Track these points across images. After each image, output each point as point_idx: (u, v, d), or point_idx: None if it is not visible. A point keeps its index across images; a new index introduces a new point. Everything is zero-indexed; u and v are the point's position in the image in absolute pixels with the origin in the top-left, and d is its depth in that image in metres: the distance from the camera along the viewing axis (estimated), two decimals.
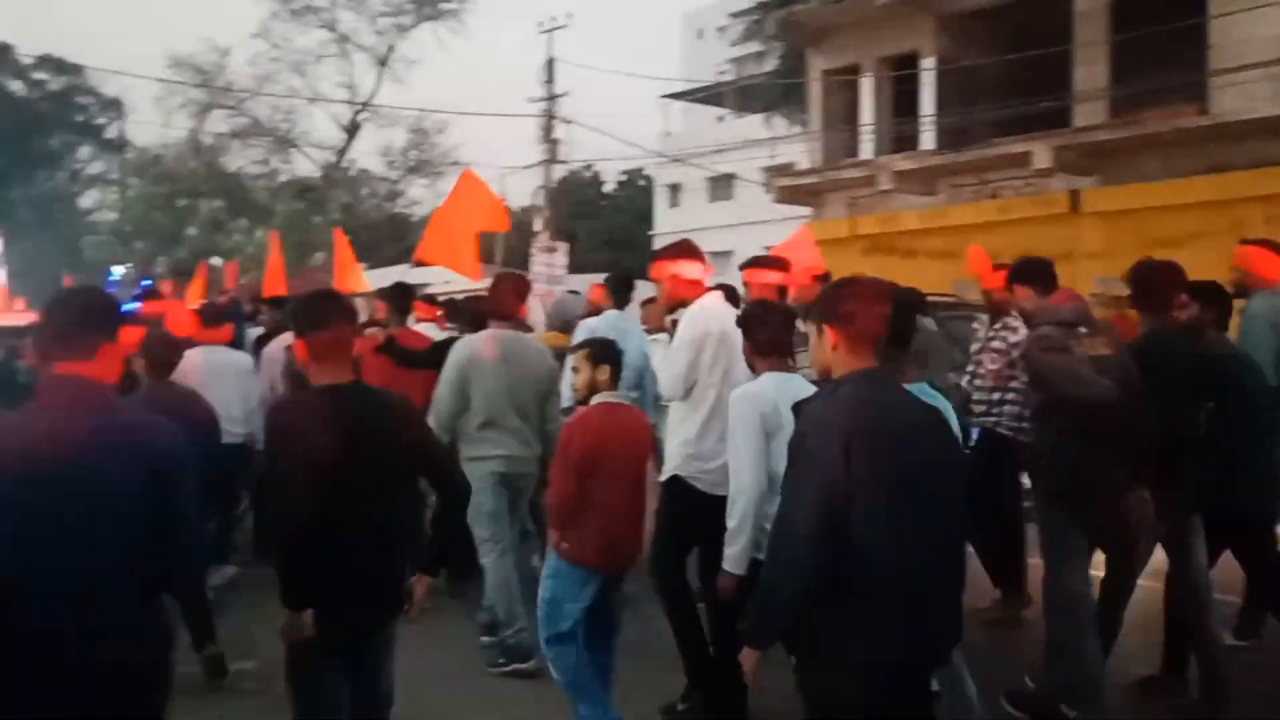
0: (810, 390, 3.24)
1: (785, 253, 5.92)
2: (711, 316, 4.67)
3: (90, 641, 2.54)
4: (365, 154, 48.83)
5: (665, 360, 4.70)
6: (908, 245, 16.18)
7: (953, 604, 2.90)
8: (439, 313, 8.60)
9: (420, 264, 10.64)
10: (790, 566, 2.70)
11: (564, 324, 7.59)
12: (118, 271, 30.70)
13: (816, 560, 2.63)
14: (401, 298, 7.23)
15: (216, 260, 27.26)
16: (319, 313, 3.39)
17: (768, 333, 4.17)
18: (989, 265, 6.38)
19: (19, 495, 2.49)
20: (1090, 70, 14.48)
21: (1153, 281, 4.75)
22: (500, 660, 5.36)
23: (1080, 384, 4.36)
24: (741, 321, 4.35)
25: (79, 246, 37.54)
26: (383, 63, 37.58)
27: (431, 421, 5.24)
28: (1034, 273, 4.88)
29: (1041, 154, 14.12)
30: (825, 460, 2.63)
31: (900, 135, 17.03)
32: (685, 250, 4.93)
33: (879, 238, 16.64)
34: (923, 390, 3.50)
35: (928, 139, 16.35)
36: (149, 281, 13.47)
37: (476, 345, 5.45)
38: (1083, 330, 4.53)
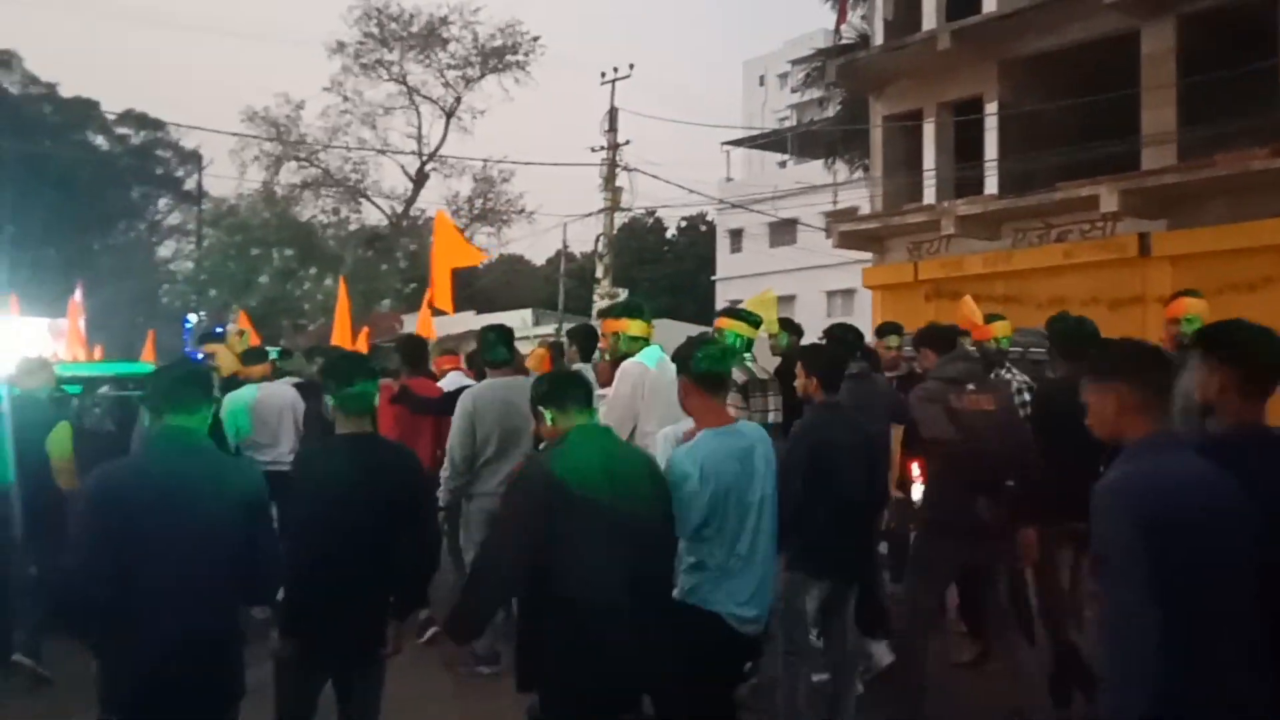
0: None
1: (755, 309, 6.25)
2: (643, 370, 5.19)
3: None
4: (432, 203, 49.70)
5: (603, 413, 4.94)
6: (971, 290, 15.97)
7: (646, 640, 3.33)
8: (461, 362, 8.81)
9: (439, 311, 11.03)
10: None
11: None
12: (192, 319, 31.52)
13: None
14: (413, 350, 7.63)
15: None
16: (345, 372, 3.96)
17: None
18: (979, 317, 6.87)
19: (143, 523, 3.18)
20: (1158, 113, 14.30)
21: (1072, 335, 5.44)
22: (473, 666, 5.87)
23: (932, 429, 5.17)
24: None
25: (156, 295, 38.64)
26: (450, 114, 38.38)
27: (447, 464, 5.95)
28: (935, 338, 5.83)
29: (1108, 197, 13.94)
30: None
31: (962, 180, 16.93)
32: (630, 310, 5.55)
33: (942, 282, 16.51)
34: (737, 429, 3.90)
35: (990, 183, 16.23)
36: (220, 329, 13.81)
37: (477, 394, 6.02)
38: (970, 386, 5.23)
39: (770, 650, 4.61)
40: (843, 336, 6.58)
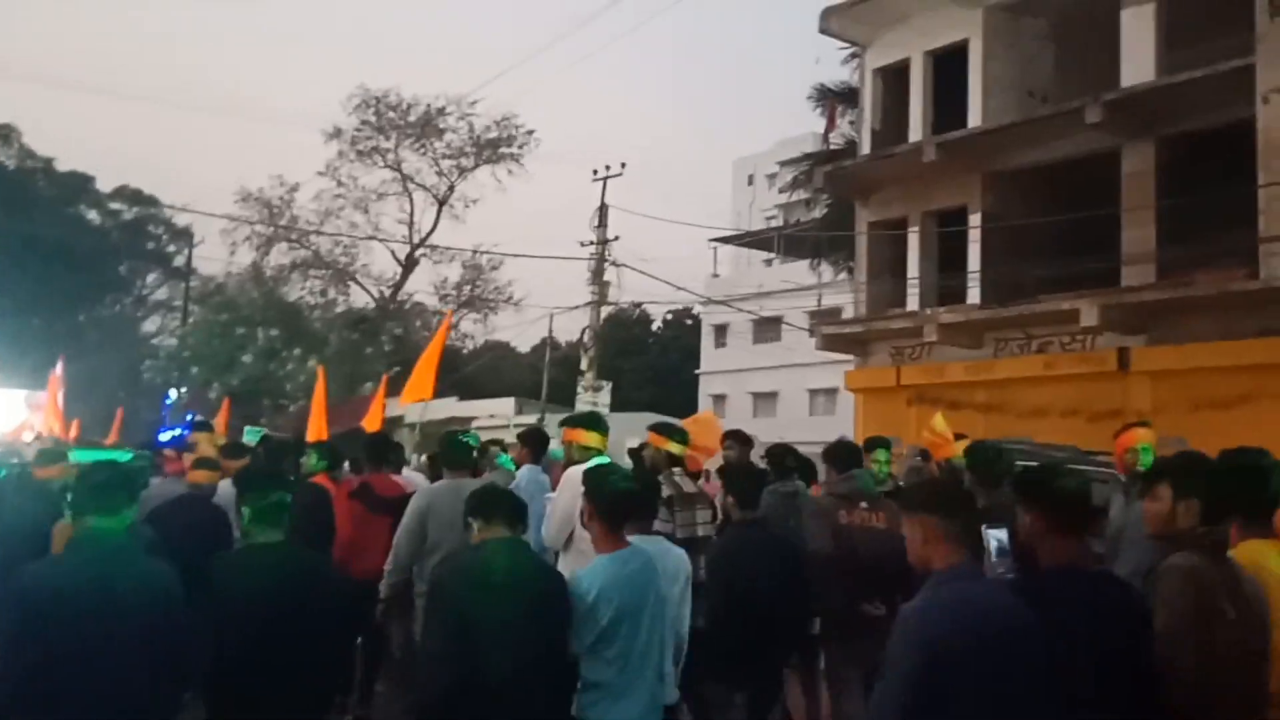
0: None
1: (690, 427, 6.52)
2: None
3: None
4: (420, 288, 49.97)
5: (546, 516, 5.49)
6: (953, 397, 16.10)
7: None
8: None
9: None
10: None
11: None
12: (173, 395, 31.31)
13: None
14: (376, 448, 7.71)
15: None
16: (261, 483, 4.21)
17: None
18: (947, 436, 7.15)
19: (68, 623, 3.37)
20: (1139, 231, 14.57)
21: (991, 464, 5.86)
22: None
23: (813, 542, 5.58)
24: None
25: (139, 370, 38.43)
26: (443, 202, 38.78)
27: (390, 561, 6.07)
28: (834, 454, 6.21)
29: (1089, 311, 14.12)
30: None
31: (946, 288, 17.13)
32: (587, 422, 5.94)
33: (924, 388, 16.60)
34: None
35: (973, 293, 16.43)
36: (192, 416, 13.71)
37: (432, 494, 6.21)
38: (863, 504, 5.72)
39: None
40: (781, 456, 6.84)
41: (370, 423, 11.72)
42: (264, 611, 3.82)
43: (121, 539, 3.69)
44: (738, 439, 7.35)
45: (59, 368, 17.44)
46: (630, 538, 4.23)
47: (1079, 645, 2.88)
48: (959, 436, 7.07)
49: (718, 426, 7.32)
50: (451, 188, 38.72)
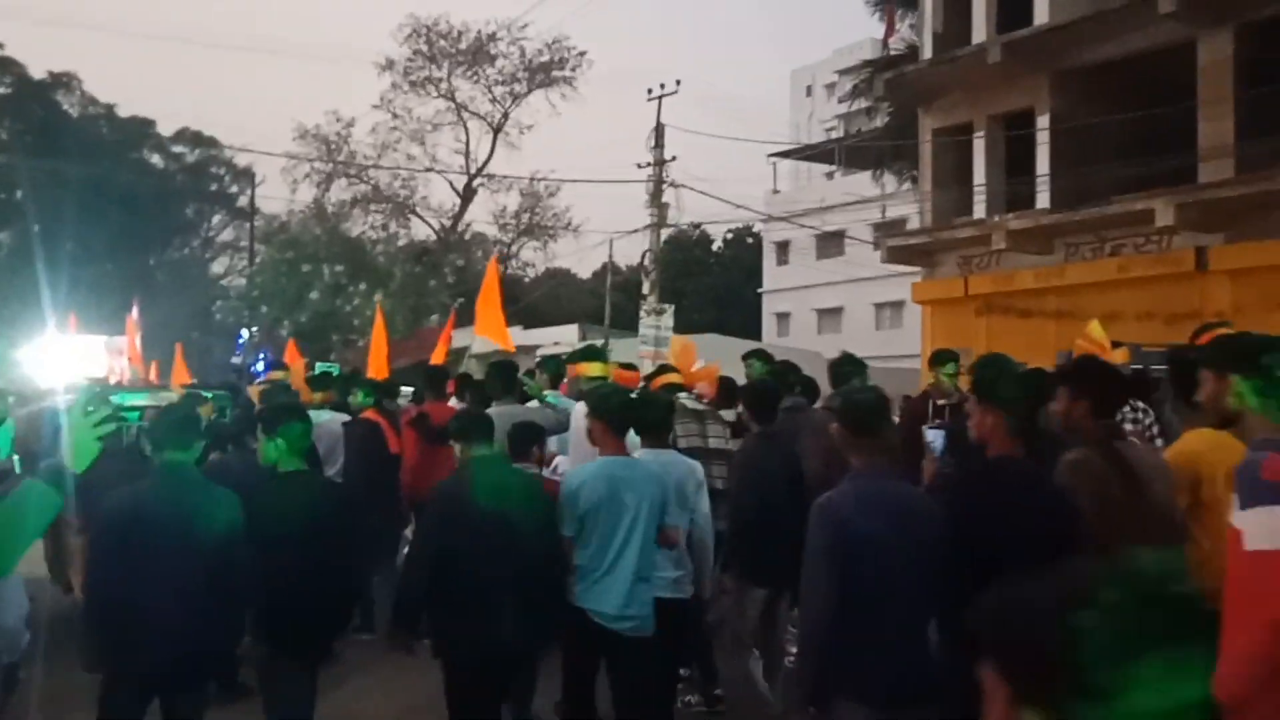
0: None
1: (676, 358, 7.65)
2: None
3: None
4: (479, 218, 50.05)
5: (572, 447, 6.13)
6: (1023, 305, 15.83)
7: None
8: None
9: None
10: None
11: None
12: (245, 335, 31.97)
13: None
14: (434, 378, 8.19)
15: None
16: (282, 416, 4.65)
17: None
18: (1104, 343, 6.69)
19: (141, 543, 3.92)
20: (1216, 125, 14.03)
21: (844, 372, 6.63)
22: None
23: (807, 461, 5.81)
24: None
25: (210, 311, 39.24)
26: (497, 130, 38.62)
27: None
28: (832, 369, 6.79)
29: (1164, 211, 13.70)
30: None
31: (1013, 194, 16.72)
32: (588, 355, 6.81)
33: (993, 298, 16.32)
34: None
35: (1042, 198, 16.01)
36: (264, 355, 14.10)
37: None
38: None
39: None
40: (784, 373, 7.17)
41: (436, 355, 11.86)
42: (299, 533, 4.25)
43: (192, 470, 4.22)
44: (758, 356, 7.82)
45: (134, 312, 17.86)
46: (642, 451, 5.04)
47: (991, 521, 3.32)
48: (1115, 345, 6.63)
49: (692, 352, 8.21)
50: (506, 115, 38.53)
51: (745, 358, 7.76)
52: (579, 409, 5.93)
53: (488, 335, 10.93)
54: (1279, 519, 2.56)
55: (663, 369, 7.56)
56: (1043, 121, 16.02)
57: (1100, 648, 1.19)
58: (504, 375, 7.10)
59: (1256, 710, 2.43)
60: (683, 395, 6.61)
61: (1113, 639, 1.19)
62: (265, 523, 4.21)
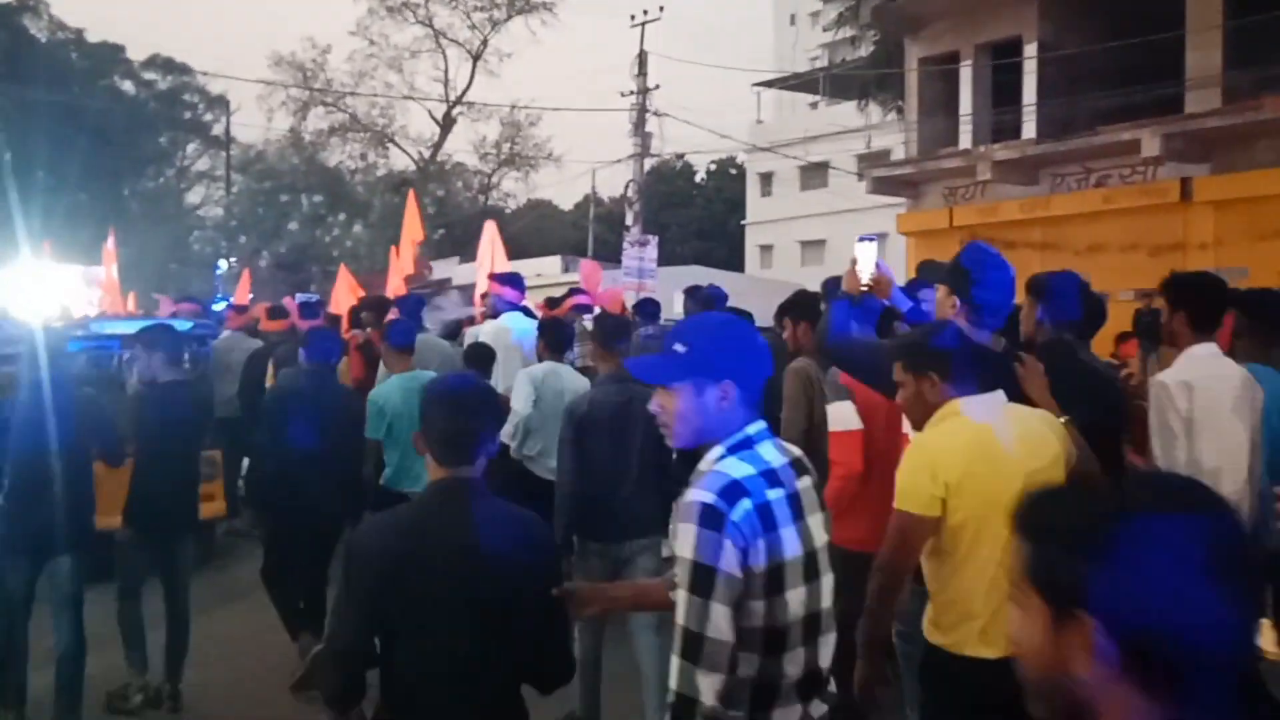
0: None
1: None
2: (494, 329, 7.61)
3: None
4: (459, 148, 49.33)
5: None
6: (1007, 236, 15.76)
7: None
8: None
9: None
10: None
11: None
12: (222, 265, 31.65)
13: None
14: (378, 307, 8.66)
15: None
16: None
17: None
18: None
19: None
20: (1203, 55, 13.90)
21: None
22: None
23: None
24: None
25: (187, 241, 38.80)
26: (477, 57, 38.02)
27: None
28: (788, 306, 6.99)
29: (1150, 141, 13.62)
30: None
31: (999, 124, 16.59)
32: (508, 280, 8.03)
33: (977, 229, 16.25)
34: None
35: (1029, 128, 15.90)
36: (224, 299, 14.15)
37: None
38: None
39: None
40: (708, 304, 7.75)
41: (391, 287, 11.84)
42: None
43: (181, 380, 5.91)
44: (688, 293, 8.47)
45: (110, 241, 17.59)
46: (539, 366, 6.32)
47: None
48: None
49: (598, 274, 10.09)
50: (485, 42, 37.94)
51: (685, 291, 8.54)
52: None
53: (400, 274, 11.35)
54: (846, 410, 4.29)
55: (571, 291, 8.70)
56: (1030, 50, 15.84)
57: None
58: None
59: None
60: (587, 317, 7.38)
61: None
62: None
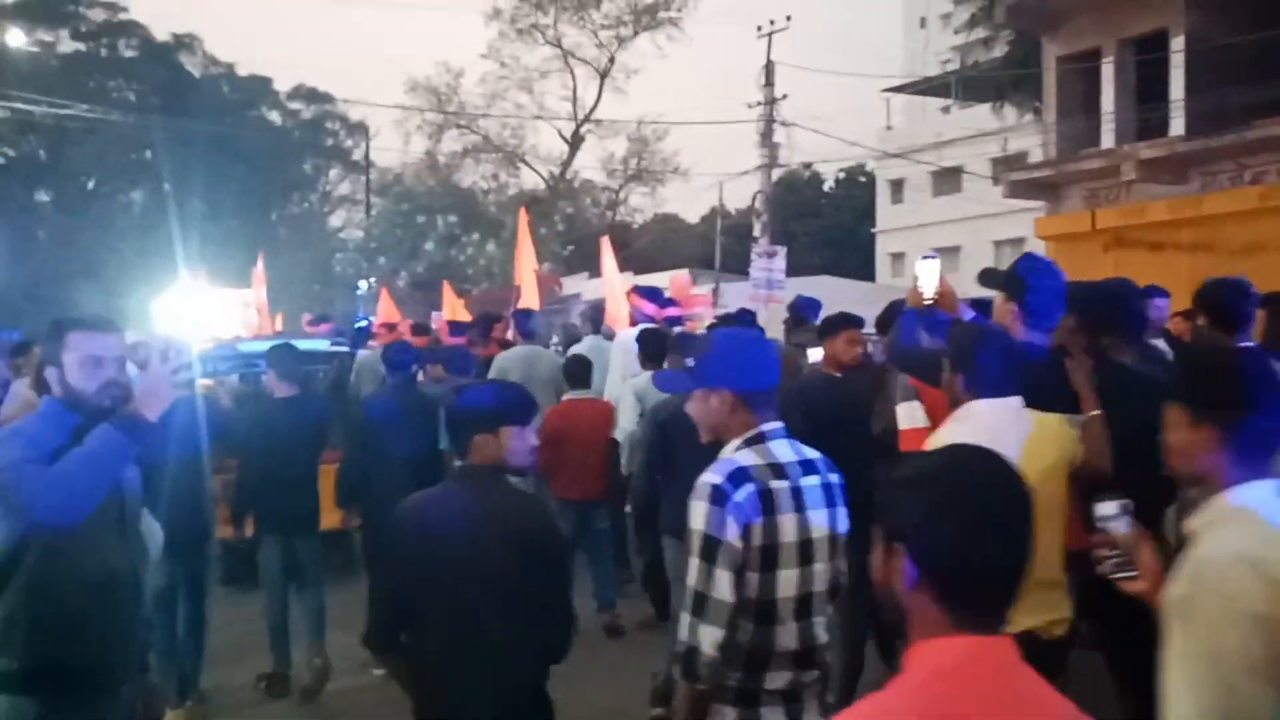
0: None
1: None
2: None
3: None
4: (588, 165, 50.11)
5: None
6: (1155, 238, 15.10)
7: None
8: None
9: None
10: None
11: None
12: (363, 286, 32.74)
13: None
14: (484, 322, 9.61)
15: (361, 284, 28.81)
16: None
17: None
18: None
19: None
20: None
21: None
22: None
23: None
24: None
25: (329, 264, 40.32)
26: (604, 75, 38.50)
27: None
28: (793, 309, 8.73)
29: None
30: None
31: (1143, 122, 15.93)
32: (646, 293, 8.43)
33: (1122, 230, 15.59)
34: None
35: (1175, 125, 15.21)
36: (365, 318, 14.66)
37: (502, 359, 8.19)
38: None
39: None
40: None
41: (526, 302, 12.07)
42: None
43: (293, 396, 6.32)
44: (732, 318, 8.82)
45: (260, 265, 18.39)
46: (642, 376, 6.73)
47: None
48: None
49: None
50: (612, 59, 38.37)
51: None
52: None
53: (528, 302, 11.49)
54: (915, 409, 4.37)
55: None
56: (1177, 44, 15.17)
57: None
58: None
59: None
60: (678, 329, 7.64)
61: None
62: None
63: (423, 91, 38.06)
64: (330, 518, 6.58)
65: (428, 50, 63.14)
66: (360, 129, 41.87)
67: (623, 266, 29.40)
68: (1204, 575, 1.95)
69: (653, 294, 8.39)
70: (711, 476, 2.65)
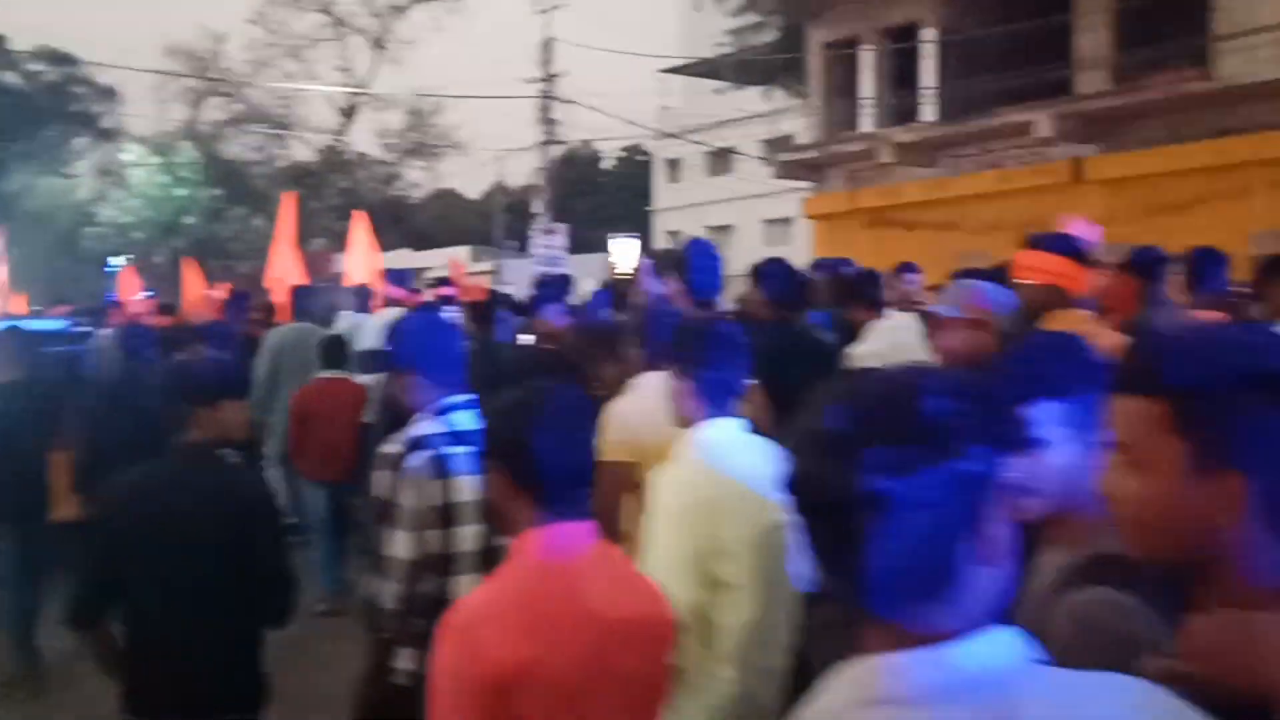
0: None
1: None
2: None
3: None
4: (362, 138, 48.64)
5: None
6: (909, 218, 16.08)
7: None
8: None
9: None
10: None
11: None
12: (115, 262, 30.58)
13: None
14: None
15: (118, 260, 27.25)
16: None
17: None
18: None
19: None
20: (1092, 37, 14.31)
21: None
22: None
23: None
24: None
25: (78, 237, 37.44)
26: (378, 45, 37.37)
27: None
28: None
29: (1043, 123, 13.98)
30: None
31: (902, 108, 16.88)
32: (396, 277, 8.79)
33: (880, 211, 16.53)
34: None
35: (930, 111, 16.20)
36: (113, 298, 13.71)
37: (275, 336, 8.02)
38: None
39: None
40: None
41: (279, 281, 11.65)
42: None
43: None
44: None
45: (0, 241, 16.86)
46: None
47: None
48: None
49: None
50: (387, 29, 37.27)
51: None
52: None
53: (285, 278, 11.02)
54: None
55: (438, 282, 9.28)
56: (928, 34, 16.13)
57: None
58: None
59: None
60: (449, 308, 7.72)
61: None
62: None
63: (181, 56, 35.85)
64: (66, 508, 6.15)
65: (188, 12, 59.48)
66: (110, 95, 39.02)
67: (401, 243, 28.70)
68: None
69: (401, 278, 8.46)
70: (391, 446, 2.93)
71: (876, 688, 1.05)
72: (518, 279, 18.31)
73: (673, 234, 42.95)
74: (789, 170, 18.63)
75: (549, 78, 23.74)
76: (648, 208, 44.84)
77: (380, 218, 37.65)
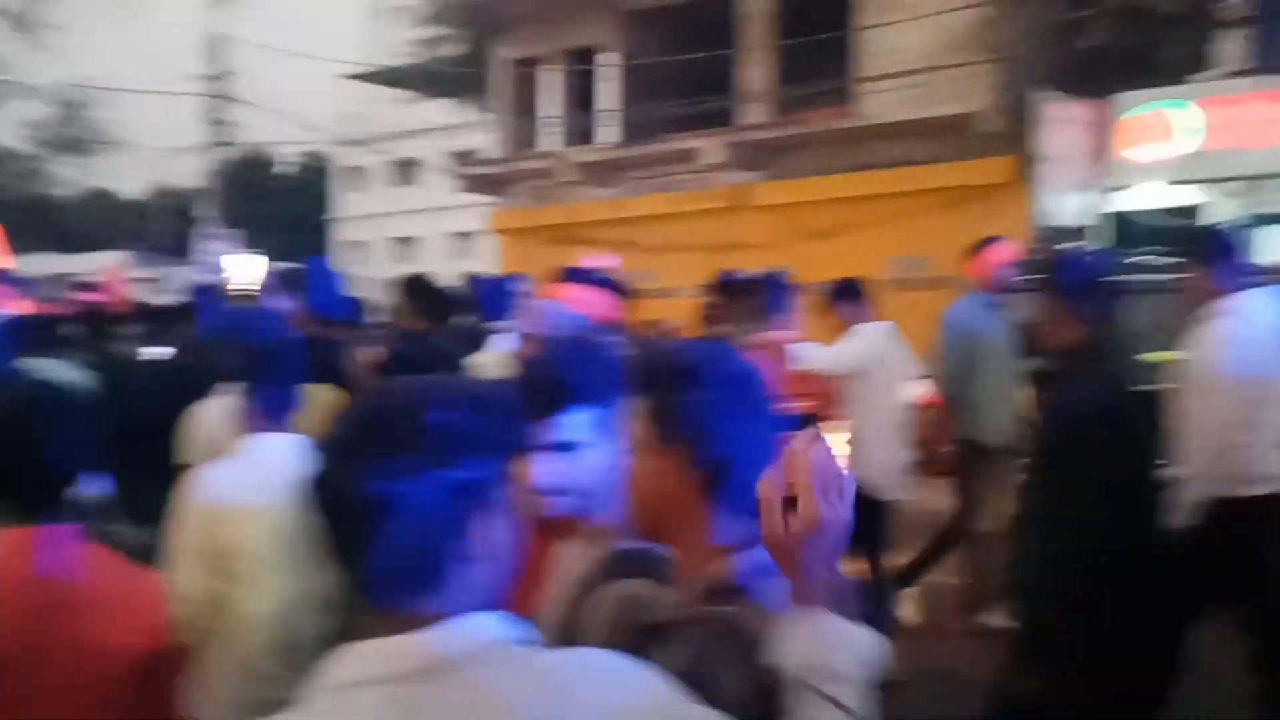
0: None
1: None
2: None
3: None
4: (5, 131, 43.89)
5: None
6: (590, 236, 16.51)
7: None
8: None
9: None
10: None
11: None
12: None
13: None
14: None
15: None
16: None
17: None
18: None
19: None
20: (757, 71, 15.37)
21: None
22: None
23: None
24: None
25: None
26: (22, 28, 33.76)
27: None
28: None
29: (711, 150, 14.85)
30: None
31: (582, 128, 17.35)
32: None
33: (562, 228, 16.89)
34: None
35: (610, 133, 16.75)
36: None
37: None
38: None
39: None
40: None
41: None
42: None
43: None
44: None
45: None
46: None
47: None
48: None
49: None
50: (31, 10, 33.76)
51: None
52: None
53: None
54: None
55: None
56: (606, 58, 16.70)
57: None
58: None
59: None
60: None
61: None
62: None
63: None
64: None
65: None
66: None
67: (52, 245, 26.06)
68: None
69: (18, 283, 7.95)
70: None
71: (363, 669, 1.16)
72: (182, 286, 17.18)
73: (356, 244, 41.80)
74: (474, 184, 18.67)
75: (217, 76, 22.44)
76: (326, 216, 43.37)
77: (24, 217, 34.04)
